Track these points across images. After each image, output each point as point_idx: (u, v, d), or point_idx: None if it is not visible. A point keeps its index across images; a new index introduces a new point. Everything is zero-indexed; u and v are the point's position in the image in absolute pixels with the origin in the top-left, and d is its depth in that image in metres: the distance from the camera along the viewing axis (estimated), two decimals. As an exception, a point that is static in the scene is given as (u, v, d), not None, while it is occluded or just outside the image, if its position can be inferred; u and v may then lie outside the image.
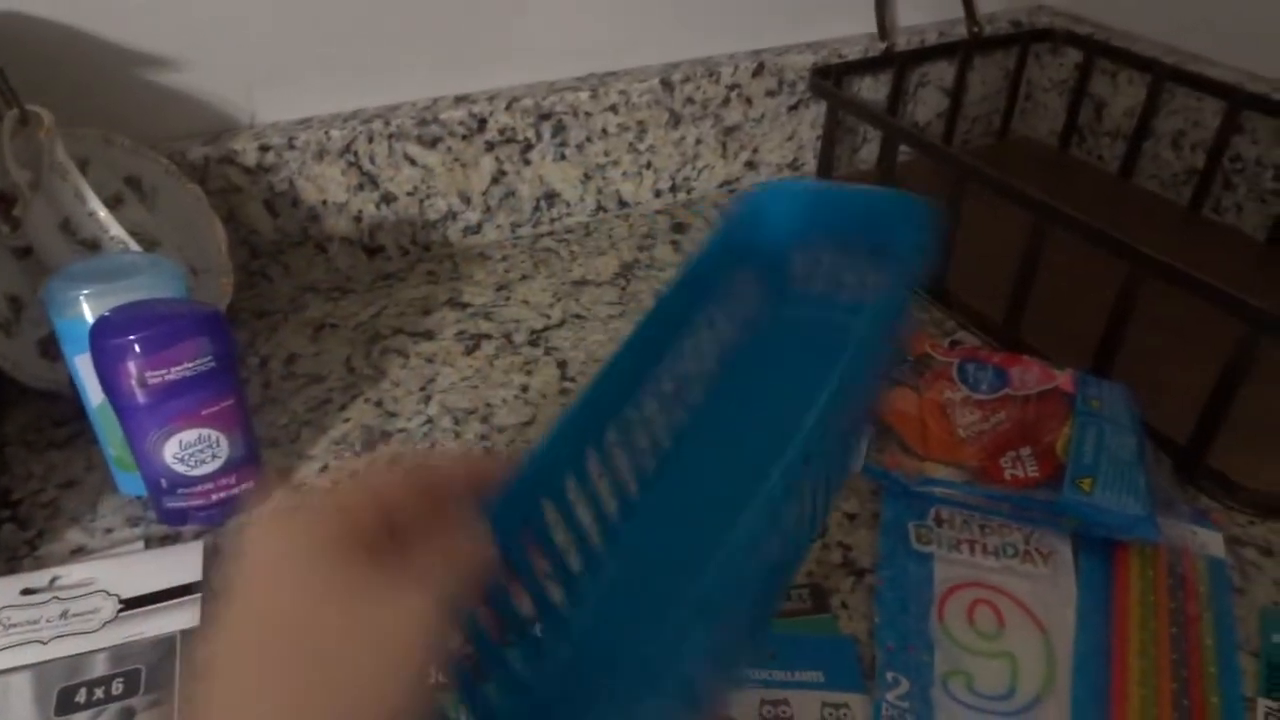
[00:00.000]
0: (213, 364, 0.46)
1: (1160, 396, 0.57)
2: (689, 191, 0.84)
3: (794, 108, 0.84)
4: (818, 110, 0.85)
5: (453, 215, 0.75)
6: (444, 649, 0.26)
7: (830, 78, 0.82)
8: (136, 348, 0.44)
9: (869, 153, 0.90)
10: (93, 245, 0.55)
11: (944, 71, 0.89)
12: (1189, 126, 0.81)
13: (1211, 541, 0.50)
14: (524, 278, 0.73)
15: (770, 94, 0.82)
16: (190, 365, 0.45)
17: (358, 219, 0.72)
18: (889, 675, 0.43)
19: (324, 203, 0.70)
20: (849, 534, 0.51)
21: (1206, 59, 0.80)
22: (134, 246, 0.54)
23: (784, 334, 0.43)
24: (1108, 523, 0.48)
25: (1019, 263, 0.62)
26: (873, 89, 0.87)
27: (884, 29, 0.86)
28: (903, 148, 0.75)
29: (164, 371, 0.44)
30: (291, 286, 0.71)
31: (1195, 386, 0.53)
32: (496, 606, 0.31)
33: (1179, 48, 0.82)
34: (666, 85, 0.78)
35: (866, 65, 0.85)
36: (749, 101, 0.82)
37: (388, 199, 0.72)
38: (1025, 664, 0.44)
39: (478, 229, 0.77)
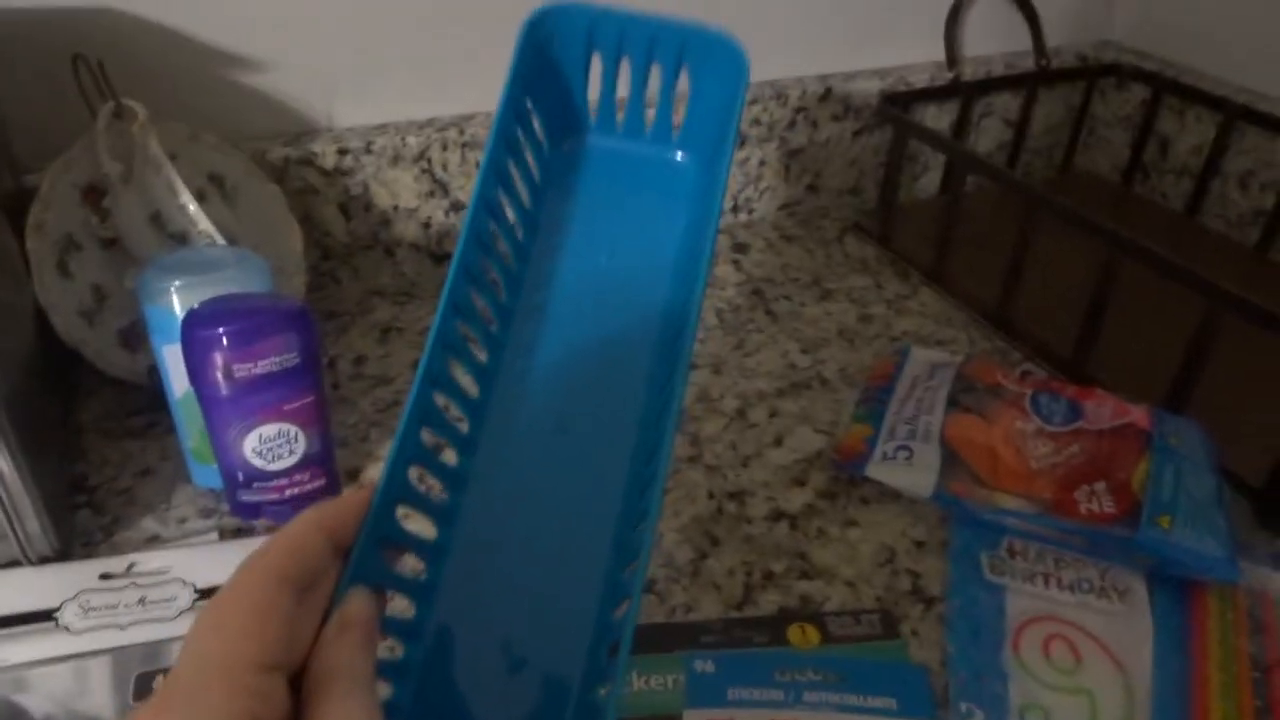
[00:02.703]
0: (298, 360, 0.46)
1: (1234, 437, 0.56)
2: (750, 212, 0.85)
3: (858, 133, 0.85)
4: (881, 137, 0.85)
5: (518, 225, 0.76)
6: None
7: (898, 104, 0.82)
8: (225, 340, 0.44)
9: (929, 181, 0.90)
10: (181, 238, 0.56)
11: (1008, 103, 0.89)
12: (1259, 166, 0.80)
13: (1291, 587, 0.49)
14: (587, 290, 0.74)
15: (836, 119, 0.83)
16: (277, 360, 0.45)
17: (426, 225, 0.72)
18: (963, 706, 0.43)
19: (395, 208, 0.70)
20: (917, 561, 0.51)
21: (1278, 98, 0.80)
22: (221, 240, 0.55)
23: (597, 173, 0.39)
24: (1186, 562, 0.47)
25: (1090, 295, 0.61)
26: (936, 118, 0.87)
27: (952, 58, 0.86)
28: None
29: (251, 365, 0.45)
30: (360, 290, 0.72)
31: (1270, 428, 0.52)
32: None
33: (1249, 87, 0.82)
34: (734, 106, 0.78)
35: (933, 94, 0.85)
36: (815, 125, 0.82)
37: (456, 207, 0.72)
38: (1104, 701, 0.43)
39: (541, 240, 0.77)
